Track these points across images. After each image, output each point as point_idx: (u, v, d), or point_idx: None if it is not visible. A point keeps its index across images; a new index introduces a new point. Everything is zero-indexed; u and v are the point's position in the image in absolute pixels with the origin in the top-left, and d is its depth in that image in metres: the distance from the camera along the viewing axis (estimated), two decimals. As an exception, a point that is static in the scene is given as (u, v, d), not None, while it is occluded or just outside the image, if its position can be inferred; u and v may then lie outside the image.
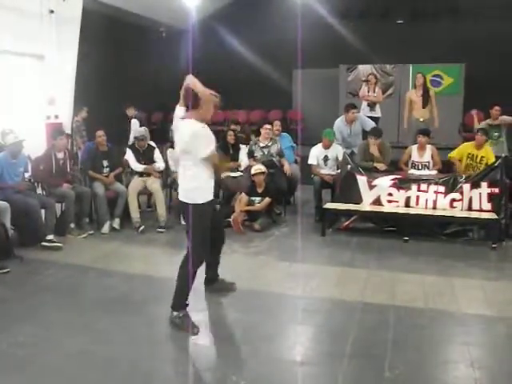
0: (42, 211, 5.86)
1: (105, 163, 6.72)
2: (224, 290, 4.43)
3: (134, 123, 8.94)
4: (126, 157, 6.88)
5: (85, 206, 6.44)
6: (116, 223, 6.52)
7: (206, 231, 3.78)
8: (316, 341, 3.71)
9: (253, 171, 6.60)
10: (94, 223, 6.62)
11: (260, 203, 6.53)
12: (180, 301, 3.78)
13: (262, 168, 6.61)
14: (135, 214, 6.51)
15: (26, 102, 7.05)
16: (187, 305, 3.81)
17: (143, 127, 7.62)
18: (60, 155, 6.37)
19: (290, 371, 3.23)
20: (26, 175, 6.17)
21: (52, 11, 6.96)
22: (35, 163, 6.36)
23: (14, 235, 5.72)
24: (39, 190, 6.43)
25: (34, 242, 5.73)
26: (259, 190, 6.57)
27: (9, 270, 4.95)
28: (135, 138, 7.07)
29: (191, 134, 3.63)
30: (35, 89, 7.16)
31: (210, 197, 3.81)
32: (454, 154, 6.85)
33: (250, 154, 7.23)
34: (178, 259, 4.13)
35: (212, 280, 4.40)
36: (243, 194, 6.59)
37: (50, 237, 5.78)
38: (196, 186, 3.73)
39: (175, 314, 3.77)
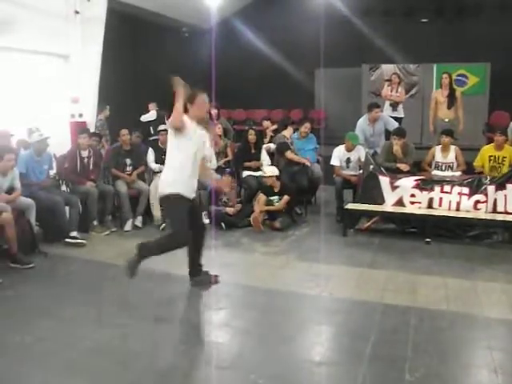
0: (66, 208, 5.96)
1: (128, 161, 6.80)
2: (206, 282, 4.58)
3: (152, 113, 9.11)
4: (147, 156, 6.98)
5: (108, 203, 6.53)
6: (138, 221, 6.59)
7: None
8: (336, 341, 3.69)
9: (267, 174, 6.62)
10: (117, 221, 6.70)
11: (278, 202, 6.52)
12: (145, 252, 4.25)
13: (276, 172, 6.60)
14: (157, 212, 6.57)
15: (52, 100, 7.17)
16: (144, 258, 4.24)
17: (163, 125, 7.70)
18: (84, 153, 6.46)
19: (309, 371, 3.23)
20: (51, 173, 6.27)
21: (77, 12, 7.07)
22: (60, 161, 6.47)
23: (39, 231, 5.83)
24: (63, 188, 6.54)
25: (58, 239, 5.84)
26: (276, 190, 6.57)
27: (33, 265, 5.06)
28: (158, 131, 7.16)
29: None
30: (60, 88, 7.27)
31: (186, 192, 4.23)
32: (478, 163, 6.73)
33: (286, 146, 7.26)
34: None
35: (195, 273, 4.59)
36: (261, 194, 6.60)
37: (74, 233, 5.88)
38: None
39: (135, 257, 4.23)
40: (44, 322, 3.86)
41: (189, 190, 4.27)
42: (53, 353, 3.41)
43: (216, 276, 4.65)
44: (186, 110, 4.17)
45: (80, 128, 6.89)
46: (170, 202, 4.26)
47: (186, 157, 4.22)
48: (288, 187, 6.65)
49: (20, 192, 5.48)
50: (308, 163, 7.20)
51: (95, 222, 6.36)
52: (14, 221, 5.09)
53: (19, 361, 3.31)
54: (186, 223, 4.21)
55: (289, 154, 7.15)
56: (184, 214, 4.21)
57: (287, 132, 7.61)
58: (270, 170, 6.64)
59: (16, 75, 6.76)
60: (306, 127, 7.57)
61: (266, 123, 8.99)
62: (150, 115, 9.50)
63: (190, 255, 4.55)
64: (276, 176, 6.59)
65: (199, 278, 4.59)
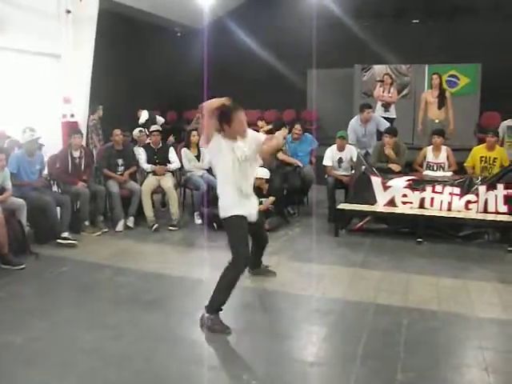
0: (58, 209, 5.93)
1: (119, 162, 6.77)
2: (264, 274, 4.76)
3: (144, 114, 9.11)
4: (137, 156, 6.96)
5: (99, 204, 6.51)
6: (130, 221, 6.57)
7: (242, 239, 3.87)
8: (328, 341, 3.70)
9: (257, 175, 6.57)
10: (109, 221, 6.67)
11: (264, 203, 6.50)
12: (217, 305, 3.75)
13: (267, 176, 6.56)
14: (149, 212, 6.56)
15: (43, 100, 7.14)
16: (221, 309, 3.77)
17: (155, 125, 7.69)
18: (76, 154, 6.43)
19: (302, 371, 3.23)
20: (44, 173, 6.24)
21: (69, 11, 7.04)
22: (51, 161, 6.44)
23: (30, 232, 5.81)
24: (54, 188, 6.51)
25: (49, 239, 5.81)
26: (264, 192, 6.55)
27: (24, 266, 5.03)
28: (150, 132, 7.15)
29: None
30: (52, 87, 7.24)
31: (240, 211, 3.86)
32: (469, 163, 6.77)
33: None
34: (190, 257, 4.19)
35: (256, 265, 4.66)
36: None
37: (65, 234, 5.85)
38: (224, 204, 3.88)
39: (207, 315, 3.74)
40: (36, 322, 3.84)
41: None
42: (45, 353, 3.39)
43: (274, 272, 4.82)
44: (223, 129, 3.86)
45: (72, 128, 6.86)
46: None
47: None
48: (275, 190, 6.61)
49: (11, 192, 5.46)
50: (300, 164, 7.20)
51: (87, 223, 6.34)
52: (5, 221, 5.05)
53: (11, 361, 3.29)
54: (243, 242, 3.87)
55: (280, 155, 7.14)
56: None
57: (281, 133, 7.50)
58: (261, 172, 6.60)
59: (7, 75, 6.73)
60: (296, 129, 7.41)
61: (261, 123, 8.99)
62: (143, 116, 9.48)
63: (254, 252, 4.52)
64: (266, 179, 6.55)
65: (260, 270, 4.73)
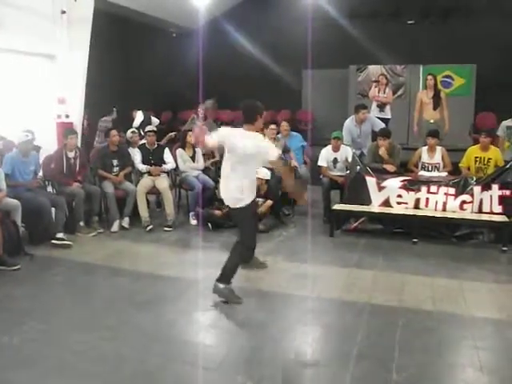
0: (53, 209, 5.91)
1: (114, 162, 6.76)
2: (256, 266, 4.94)
3: (139, 115, 9.08)
4: (132, 156, 6.94)
5: (94, 204, 6.49)
6: (125, 222, 6.56)
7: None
8: (323, 342, 3.70)
9: (258, 175, 6.55)
10: (104, 222, 6.66)
11: (262, 205, 6.50)
12: (228, 276, 4.21)
13: (267, 177, 6.56)
14: (144, 213, 6.55)
15: (38, 101, 7.11)
16: (231, 281, 4.22)
17: (150, 126, 7.68)
18: (71, 154, 6.42)
19: (297, 372, 3.24)
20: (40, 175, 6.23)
21: (64, 12, 7.01)
22: (46, 162, 6.41)
23: (25, 233, 5.79)
24: (49, 189, 6.49)
25: (44, 240, 5.79)
26: (261, 192, 6.55)
27: (19, 266, 5.00)
28: (145, 132, 7.13)
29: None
30: (46, 88, 7.21)
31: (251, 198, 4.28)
32: (464, 164, 6.79)
33: None
34: (185, 258, 4.19)
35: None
36: None
37: (60, 235, 5.83)
38: (241, 196, 4.20)
39: (221, 286, 4.20)
40: (31, 323, 3.82)
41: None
42: (41, 355, 3.38)
43: (264, 263, 5.06)
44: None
45: (66, 129, 6.84)
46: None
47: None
48: (273, 192, 6.61)
49: (5, 193, 5.43)
50: (297, 165, 7.20)
51: (82, 223, 6.31)
52: (0, 222, 5.03)
53: (6, 362, 3.28)
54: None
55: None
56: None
57: (269, 133, 7.42)
58: (262, 173, 6.60)
59: (1, 75, 6.69)
60: (283, 125, 7.74)
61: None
62: (138, 118, 9.44)
63: None
64: (266, 180, 6.56)
65: (252, 262, 4.83)
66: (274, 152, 4.13)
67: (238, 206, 4.22)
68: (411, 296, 4.34)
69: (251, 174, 4.29)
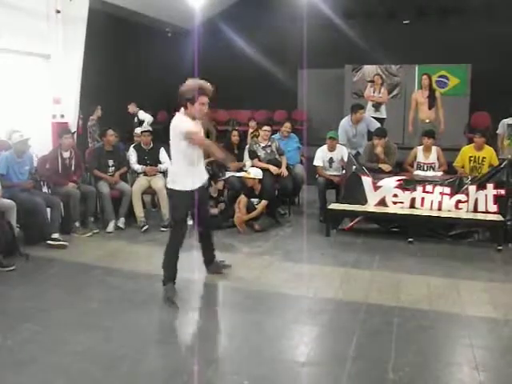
0: (48, 210, 5.89)
1: (110, 162, 6.74)
2: (220, 270, 4.88)
3: (142, 113, 9.03)
4: (128, 156, 6.92)
5: (90, 204, 6.46)
6: (121, 222, 6.54)
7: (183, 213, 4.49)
8: (319, 341, 3.70)
9: (250, 175, 6.55)
10: (99, 222, 6.64)
11: (258, 205, 6.50)
12: (168, 274, 4.36)
13: (259, 176, 6.56)
14: (139, 213, 6.53)
15: (33, 100, 7.08)
16: (174, 278, 4.36)
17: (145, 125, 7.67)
18: (66, 154, 6.39)
19: (293, 371, 3.23)
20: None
21: (58, 11, 6.99)
22: (41, 162, 6.39)
23: (20, 233, 5.76)
24: (45, 189, 6.46)
25: (39, 240, 5.76)
26: (256, 192, 6.55)
27: (14, 267, 4.98)
28: (141, 132, 7.09)
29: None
30: (41, 88, 7.18)
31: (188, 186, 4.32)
32: (458, 163, 6.81)
33: (253, 155, 7.17)
34: (180, 258, 4.19)
35: (209, 262, 4.85)
36: (242, 195, 6.57)
37: (56, 235, 5.81)
38: (173, 178, 4.37)
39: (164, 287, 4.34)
40: (26, 324, 3.80)
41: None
42: (36, 356, 3.36)
43: (229, 265, 4.99)
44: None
45: (62, 128, 6.81)
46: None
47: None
48: (268, 192, 6.60)
49: (0, 193, 5.40)
50: (275, 171, 6.97)
51: (77, 224, 6.28)
52: (-6, 222, 5.01)
53: (2, 363, 3.26)
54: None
55: (256, 163, 7.00)
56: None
57: (261, 134, 7.38)
58: (254, 172, 6.59)
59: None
60: (286, 127, 7.64)
61: (252, 124, 8.98)
62: (146, 117, 9.42)
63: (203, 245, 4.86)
64: (259, 179, 6.55)
65: (213, 266, 4.87)
66: (187, 125, 4.22)
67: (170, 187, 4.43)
68: (407, 295, 4.35)
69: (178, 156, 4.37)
